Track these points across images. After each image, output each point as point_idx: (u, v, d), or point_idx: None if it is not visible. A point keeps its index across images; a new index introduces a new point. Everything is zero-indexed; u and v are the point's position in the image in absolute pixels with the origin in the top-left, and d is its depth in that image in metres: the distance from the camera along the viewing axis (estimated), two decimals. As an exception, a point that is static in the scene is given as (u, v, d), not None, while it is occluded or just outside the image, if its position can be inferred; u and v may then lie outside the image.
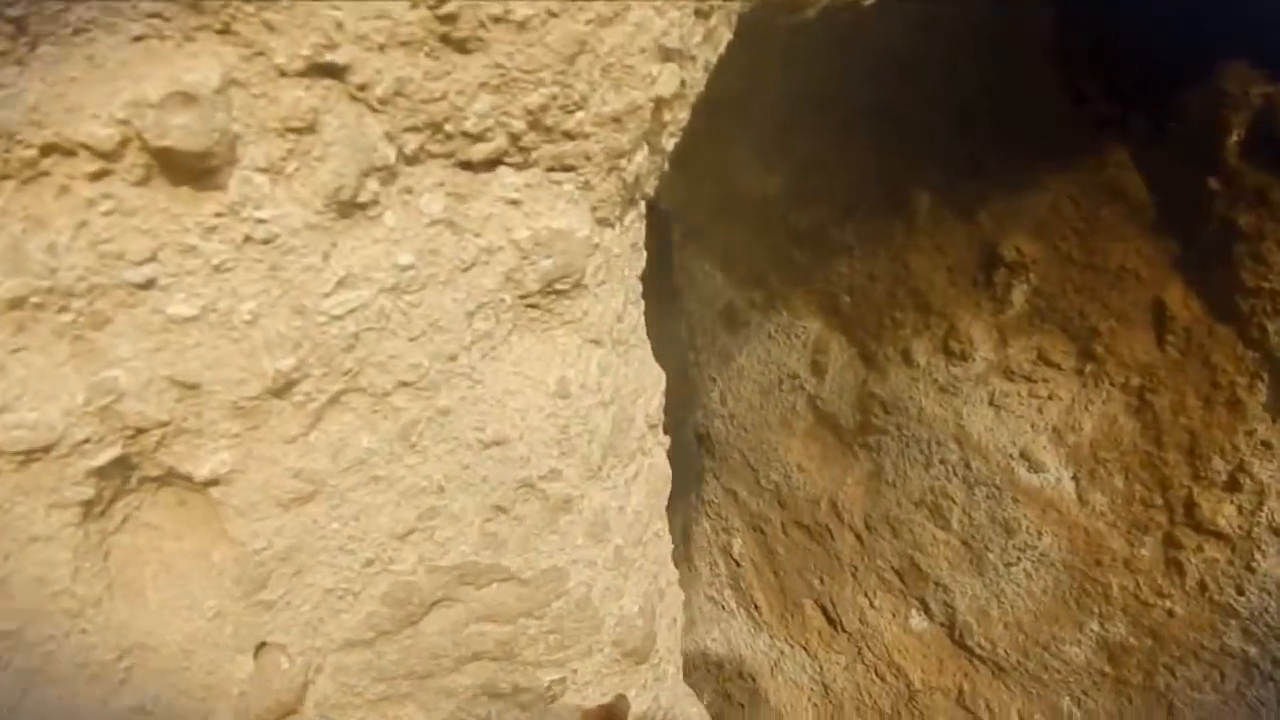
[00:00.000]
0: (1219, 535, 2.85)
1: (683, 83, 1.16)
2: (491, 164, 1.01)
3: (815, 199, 3.33)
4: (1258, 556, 2.80)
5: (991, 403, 3.19)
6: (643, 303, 1.29)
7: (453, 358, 1.04)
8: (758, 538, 3.86)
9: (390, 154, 0.94)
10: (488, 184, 1.01)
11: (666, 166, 1.27)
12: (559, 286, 1.08)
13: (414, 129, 0.95)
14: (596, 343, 1.14)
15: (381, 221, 0.97)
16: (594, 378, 1.14)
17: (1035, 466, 3.13)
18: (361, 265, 0.97)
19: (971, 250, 3.15)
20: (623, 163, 1.09)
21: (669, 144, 1.21)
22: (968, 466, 3.25)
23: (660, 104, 1.10)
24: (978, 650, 3.35)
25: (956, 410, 3.25)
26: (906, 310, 3.30)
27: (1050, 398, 3.10)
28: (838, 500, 3.59)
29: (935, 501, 3.34)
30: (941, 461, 3.31)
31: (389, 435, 1.04)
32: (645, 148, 1.13)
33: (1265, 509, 2.76)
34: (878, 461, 3.47)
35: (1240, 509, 2.81)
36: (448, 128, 0.97)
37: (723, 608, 4.01)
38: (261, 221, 0.91)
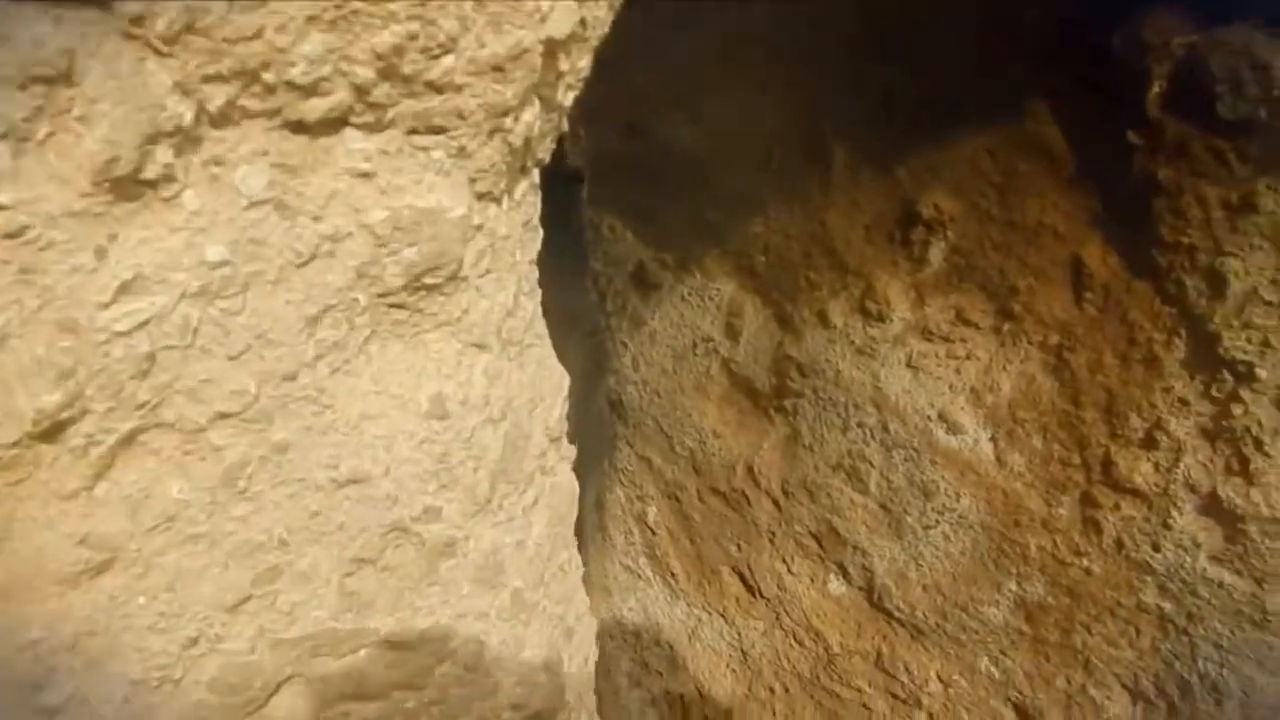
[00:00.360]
0: (1136, 493, 2.76)
1: (582, 22, 0.92)
2: (332, 125, 0.76)
3: (730, 154, 3.10)
4: (1174, 513, 2.72)
5: (909, 364, 3.04)
6: (539, 292, 1.05)
7: (290, 378, 0.79)
8: (673, 505, 3.68)
9: (186, 112, 0.68)
10: (329, 152, 0.76)
11: (565, 126, 1.04)
12: (429, 280, 0.84)
13: (218, 78, 0.68)
14: (480, 346, 0.90)
15: (180, 204, 0.70)
16: (479, 390, 0.90)
17: (953, 428, 3.00)
18: (154, 264, 0.70)
19: (889, 207, 2.97)
20: (507, 122, 0.84)
21: (566, 98, 0.97)
22: (886, 429, 3.11)
23: (553, 48, 0.86)
24: (896, 613, 3.24)
25: (874, 372, 3.09)
26: (822, 270, 3.12)
27: (968, 358, 2.97)
28: (754, 465, 3.42)
29: (853, 465, 3.20)
30: (859, 425, 3.16)
31: (208, 481, 0.78)
32: (536, 103, 0.89)
33: (1181, 465, 2.68)
34: (794, 426, 3.31)
35: (1157, 466, 2.72)
36: (267, 77, 0.70)
37: (639, 576, 3.83)
38: (3, 209, 0.64)
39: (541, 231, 1.04)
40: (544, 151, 0.99)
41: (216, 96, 0.70)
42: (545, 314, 1.09)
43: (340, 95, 0.74)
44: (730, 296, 3.31)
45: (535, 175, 1.00)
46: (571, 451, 1.16)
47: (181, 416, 0.76)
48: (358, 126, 0.77)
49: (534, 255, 1.02)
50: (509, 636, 0.99)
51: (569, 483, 1.13)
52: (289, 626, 0.86)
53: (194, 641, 0.82)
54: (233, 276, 0.74)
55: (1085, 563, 2.87)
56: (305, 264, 0.77)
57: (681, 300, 3.40)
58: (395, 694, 0.92)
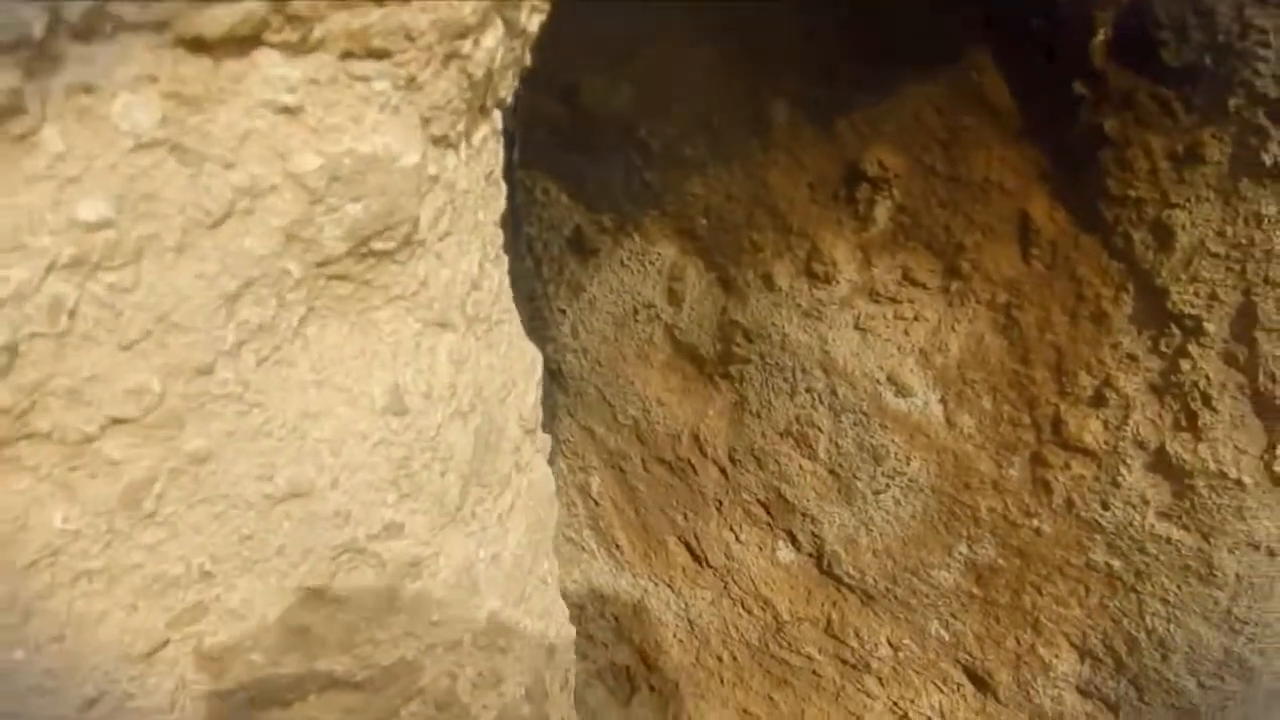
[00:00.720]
0: (1085, 451, 2.71)
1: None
2: (242, 45, 0.58)
3: (666, 113, 2.94)
4: (1123, 471, 2.67)
5: (857, 326, 2.93)
6: (505, 259, 0.88)
7: (205, 371, 0.61)
8: (617, 475, 3.54)
9: (33, 20, 0.50)
10: (240, 80, 0.58)
11: (529, 60, 0.87)
12: (379, 245, 0.65)
13: (84, -26, 0.50)
14: (444, 325, 0.73)
15: (38, 145, 0.52)
16: (444, 378, 0.73)
17: (903, 390, 2.91)
18: (8, 226, 0.53)
19: (832, 165, 2.84)
20: (465, 46, 0.67)
21: (531, 22, 0.80)
22: (834, 394, 3.01)
23: (519, -45, 0.70)
24: (846, 579, 3.16)
25: (821, 335, 2.97)
26: (766, 231, 2.98)
27: (916, 319, 2.87)
28: (700, 433, 3.29)
29: (801, 431, 3.09)
30: (807, 390, 3.05)
31: (103, 505, 0.60)
32: (499, 25, 0.72)
33: (1130, 423, 2.62)
34: (741, 392, 3.18)
35: (1106, 424, 2.67)
36: (152, -25, 0.52)
37: (582, 549, 3.69)
38: None
39: (505, 187, 0.87)
40: (506, 90, 0.82)
41: (73, 7, 0.51)
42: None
43: (250, 3, 0.56)
44: (671, 261, 3.16)
45: (498, 118, 0.83)
46: (547, 443, 1.00)
47: (61, 425, 0.57)
48: (276, 47, 0.59)
49: (498, 215, 0.85)
50: (486, 668, 0.83)
51: (546, 480, 0.97)
52: (220, 676, 0.69)
53: (93, 703, 0.64)
54: (119, 242, 0.55)
55: (1035, 523, 2.81)
56: (217, 225, 0.59)
57: (621, 265, 3.23)
58: (352, 745, 0.75)
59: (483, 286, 0.78)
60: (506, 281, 0.86)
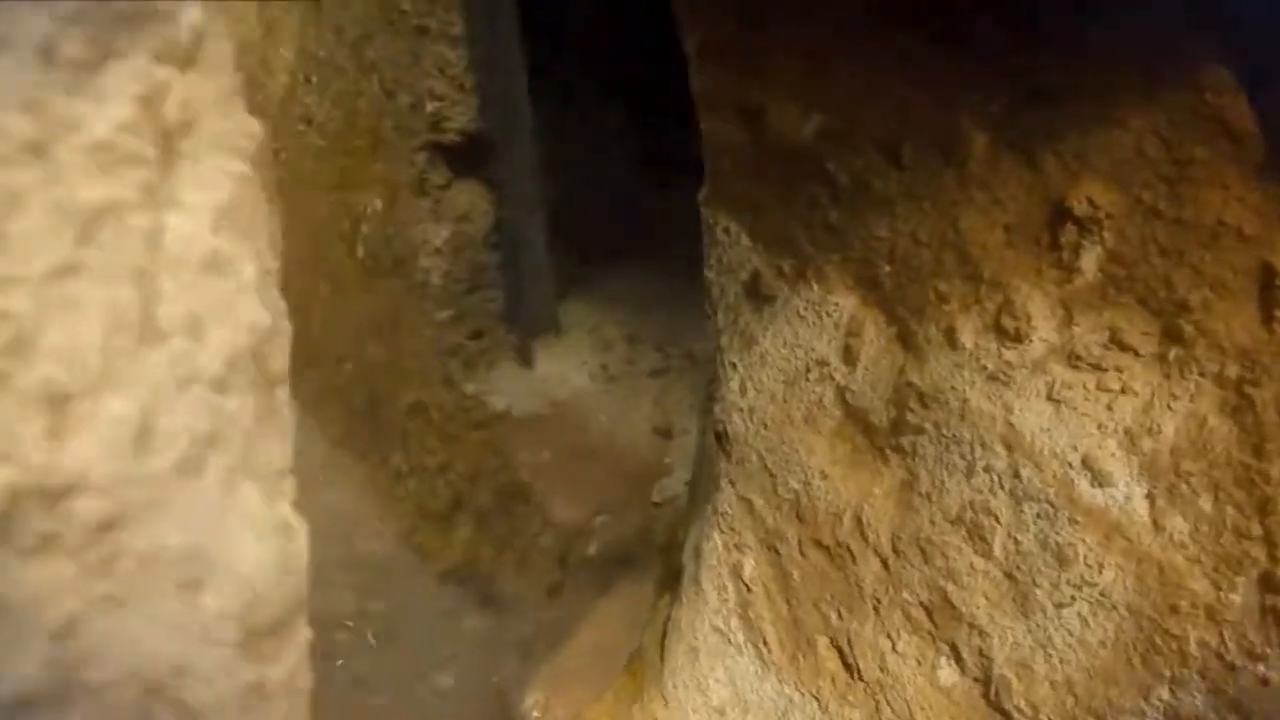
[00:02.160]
0: (1340, 581, 2.15)
1: None
2: None
3: (856, 143, 2.82)
4: (1393, 614, 2.08)
5: (1050, 396, 2.57)
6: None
7: None
8: (771, 558, 3.28)
9: None
10: None
11: None
12: None
13: None
14: None
15: None
16: None
17: (1100, 479, 2.48)
18: None
19: (1034, 203, 2.57)
20: None
21: None
22: (1017, 476, 2.63)
23: None
24: (1016, 715, 2.67)
25: (1007, 404, 2.64)
26: (954, 280, 2.73)
27: (1124, 391, 2.47)
28: (863, 515, 2.99)
29: (976, 520, 2.72)
30: (986, 469, 2.69)
31: None
32: None
33: (1407, 549, 2.06)
34: (912, 468, 2.87)
35: (1371, 548, 2.11)
36: None
37: (729, 641, 3.43)
38: None
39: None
40: None
41: None
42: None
43: None
44: (850, 313, 2.97)
45: None
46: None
47: None
48: None
49: None
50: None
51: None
52: None
53: None
54: None
55: (1262, 669, 2.24)
56: None
57: (797, 316, 3.09)
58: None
59: None
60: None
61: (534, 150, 5.97)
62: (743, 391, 3.28)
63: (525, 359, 6.14)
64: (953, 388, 2.74)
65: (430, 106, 5.73)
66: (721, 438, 3.41)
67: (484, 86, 5.73)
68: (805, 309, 3.06)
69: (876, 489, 2.97)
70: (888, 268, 2.86)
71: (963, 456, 2.73)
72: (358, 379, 7.29)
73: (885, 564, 2.95)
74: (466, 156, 5.88)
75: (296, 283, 7.98)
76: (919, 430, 2.82)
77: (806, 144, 2.91)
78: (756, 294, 3.17)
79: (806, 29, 2.79)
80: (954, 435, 2.75)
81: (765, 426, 3.23)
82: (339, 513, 7.25)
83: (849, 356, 2.99)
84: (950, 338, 2.74)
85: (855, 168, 2.84)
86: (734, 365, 3.30)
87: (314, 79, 7.07)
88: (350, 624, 6.17)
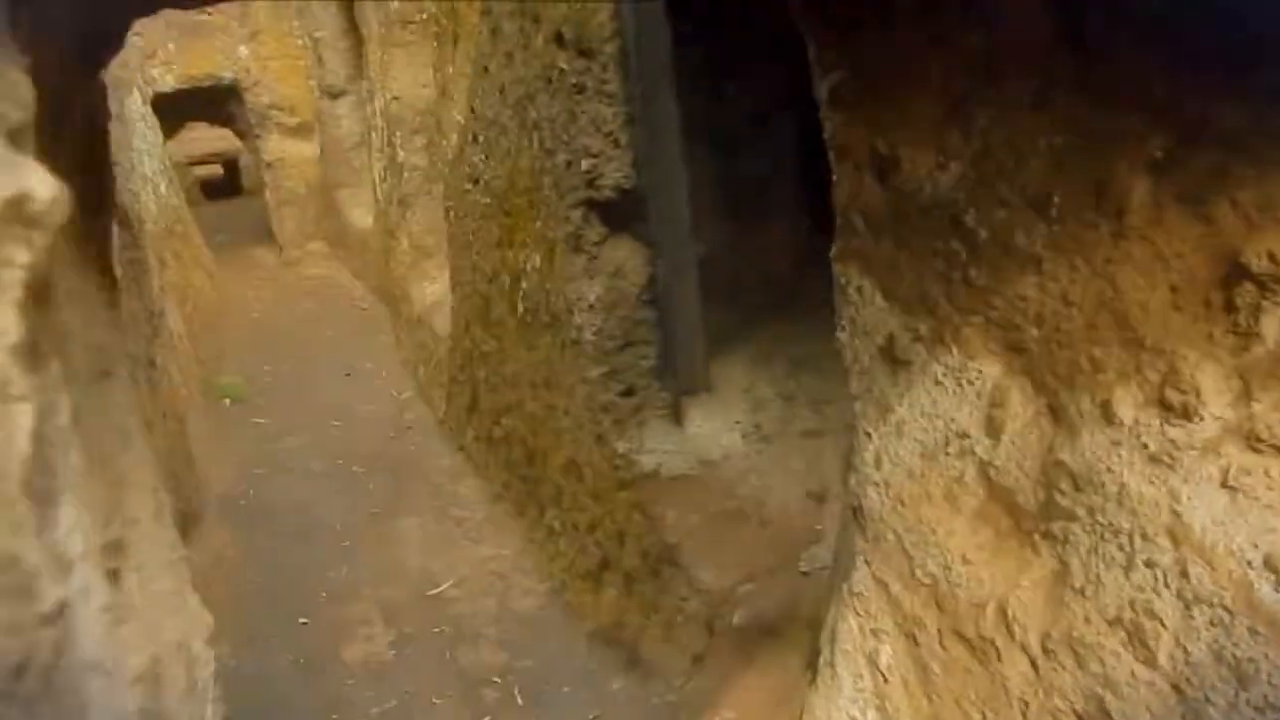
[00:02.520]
0: None
1: None
2: None
3: (998, 193, 2.55)
4: None
5: (1225, 483, 2.20)
6: None
7: None
8: (909, 647, 2.98)
9: None
10: None
11: None
12: None
13: None
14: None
15: None
16: None
17: (1288, 584, 2.10)
18: None
19: (1204, 259, 2.23)
20: None
21: None
22: (1185, 575, 2.26)
23: None
24: None
25: (1173, 491, 2.28)
26: (1110, 347, 2.41)
27: (1317, 481, 2.08)
28: (1009, 608, 2.67)
29: (1137, 622, 2.36)
30: (1148, 565, 2.33)
31: None
32: None
33: None
34: (1063, 558, 2.54)
35: None
36: None
37: (863, 736, 3.13)
38: None
39: None
40: None
41: None
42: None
43: None
44: (994, 381, 2.68)
45: None
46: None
47: None
48: None
49: None
50: None
51: None
52: None
53: None
54: None
55: None
56: None
57: (935, 384, 2.82)
58: None
59: None
60: None
61: (689, 205, 5.88)
62: (878, 464, 3.02)
63: (677, 417, 6.00)
64: (1109, 469, 2.40)
65: (585, 163, 5.74)
66: (857, 513, 3.15)
67: (638, 142, 5.69)
68: (944, 376, 2.79)
69: (1024, 579, 2.64)
70: (1035, 332, 2.56)
71: (1121, 548, 2.38)
72: (516, 434, 7.35)
73: (1034, 664, 2.61)
74: (620, 212, 5.85)
75: (464, 343, 8.18)
76: (1071, 515, 2.49)
77: (944, 195, 2.66)
78: (892, 358, 2.92)
79: (943, 71, 2.56)
80: (1111, 523, 2.40)
81: (902, 503, 2.96)
82: (495, 568, 7.30)
83: (992, 429, 2.69)
84: (1106, 412, 2.41)
85: (998, 220, 2.57)
86: (869, 435, 3.05)
87: (481, 138, 7.26)
88: (498, 680, 6.14)
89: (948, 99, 2.55)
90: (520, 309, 6.98)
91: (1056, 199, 2.44)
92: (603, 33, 5.53)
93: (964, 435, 2.76)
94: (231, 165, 19.19)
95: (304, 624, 6.81)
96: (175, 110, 14.19)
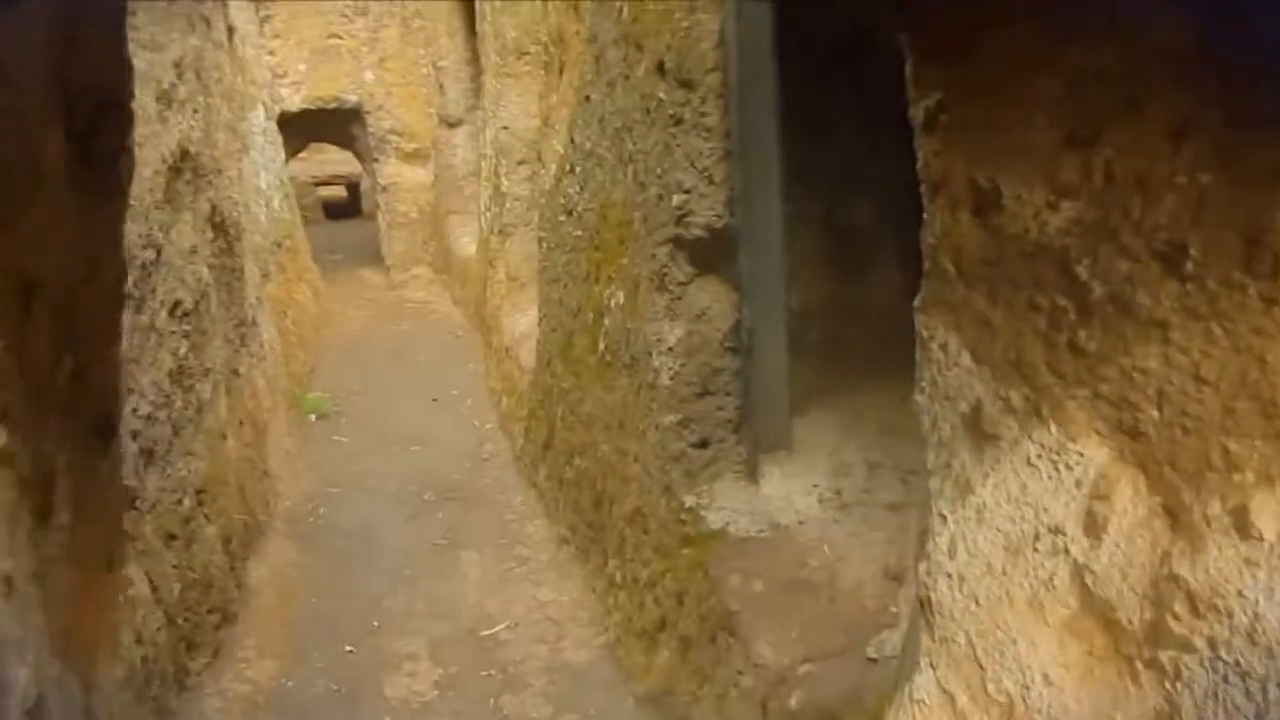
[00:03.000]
0: None
1: None
2: None
3: (1120, 241, 2.09)
4: None
5: (1397, 629, 1.69)
6: None
7: None
8: (975, 777, 2.49)
9: None
10: None
11: None
12: None
13: None
14: None
15: None
16: None
17: None
18: None
19: (1383, 338, 1.74)
20: None
21: None
22: (1334, 741, 1.75)
23: None
24: None
25: (1324, 631, 1.78)
26: (1251, 439, 1.92)
27: None
28: (1099, 747, 2.17)
29: (1266, 793, 1.84)
30: (1285, 721, 1.83)
31: None
32: None
33: None
34: (1172, 697, 2.03)
35: None
36: None
37: None
38: None
39: None
40: None
41: None
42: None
43: None
44: (1099, 468, 2.21)
45: None
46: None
47: None
48: None
49: None
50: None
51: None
52: None
53: None
54: None
55: None
56: None
57: (1027, 464, 2.36)
58: None
59: None
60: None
61: (782, 250, 5.48)
62: (952, 552, 2.55)
63: (751, 475, 5.57)
64: (1240, 593, 1.90)
65: (676, 199, 5.41)
66: (925, 606, 2.69)
67: (734, 180, 5.34)
68: (1039, 457, 2.32)
69: (1119, 715, 2.13)
70: (1155, 413, 2.08)
71: (1250, 697, 1.88)
72: (587, 477, 7.02)
73: (1127, 825, 2.10)
74: (710, 253, 5.49)
75: (545, 377, 7.91)
76: (1186, 645, 1.99)
77: (1053, 240, 2.22)
78: (977, 430, 2.47)
79: (1062, 91, 2.13)
80: (1239, 663, 1.90)
81: (977, 602, 2.48)
82: (552, 614, 6.95)
83: (1093, 527, 2.21)
84: (1241, 521, 1.91)
85: (1117, 274, 2.11)
86: (944, 517, 2.59)
87: (578, 169, 7.02)
88: (542, 731, 5.79)
89: (1065, 124, 2.12)
90: (601, 346, 6.67)
91: (1193, 251, 1.97)
92: (705, 63, 5.22)
93: (1058, 530, 2.28)
94: (354, 188, 19.60)
95: (350, 652, 6.56)
96: (300, 129, 14.49)
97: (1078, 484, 2.24)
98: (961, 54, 2.28)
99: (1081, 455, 2.23)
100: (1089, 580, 2.22)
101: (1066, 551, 2.26)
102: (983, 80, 2.26)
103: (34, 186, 1.85)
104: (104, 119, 2.63)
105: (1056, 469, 2.28)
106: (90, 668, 2.67)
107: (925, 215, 2.52)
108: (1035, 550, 2.34)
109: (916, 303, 2.61)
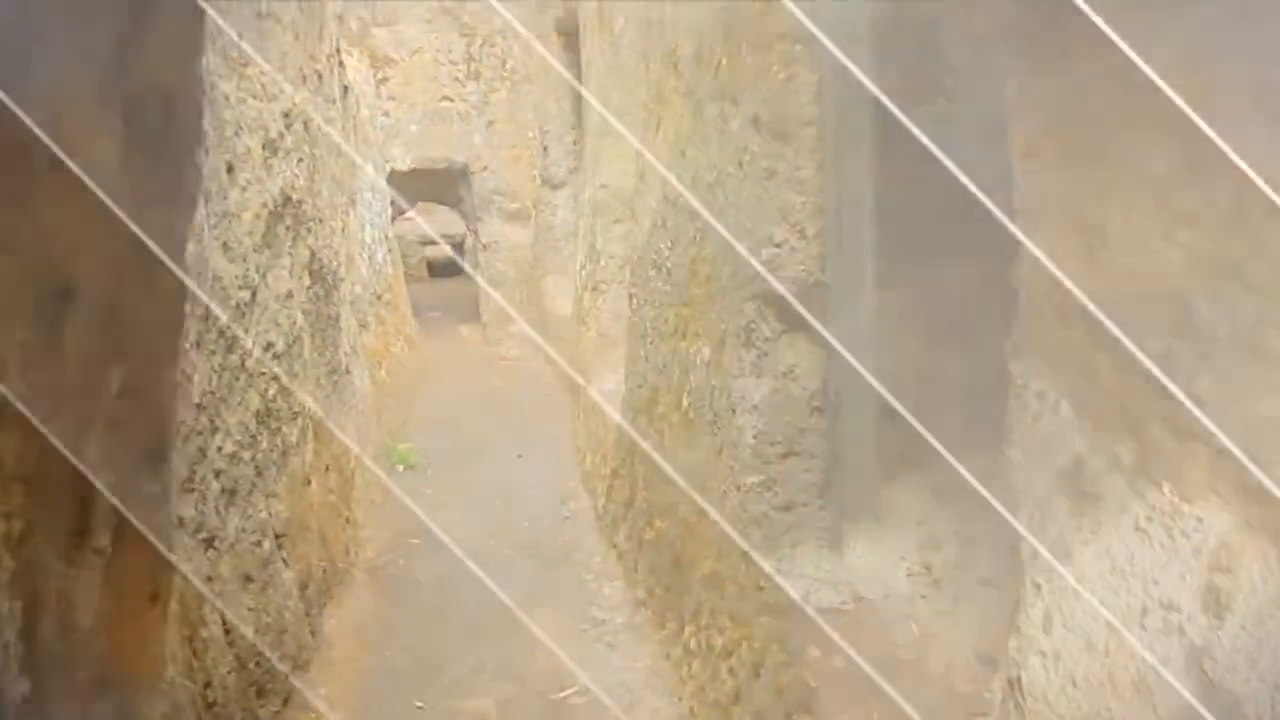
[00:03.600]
0: None
1: None
2: None
3: (1244, 279, 1.84)
4: None
5: None
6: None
7: None
8: None
9: None
10: None
11: None
12: None
13: None
14: None
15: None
16: None
17: None
18: None
19: None
20: None
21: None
22: None
23: None
24: None
25: None
26: (1407, 505, 1.63)
27: None
28: None
29: None
30: None
31: None
32: None
33: None
34: (1308, 809, 1.72)
35: None
36: None
37: None
38: None
39: None
40: None
41: None
42: None
43: None
44: (1221, 536, 1.92)
45: None
46: None
47: None
48: None
49: None
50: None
51: None
52: None
53: None
54: None
55: None
56: None
57: (1134, 530, 2.08)
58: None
59: None
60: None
61: (876, 308, 5.24)
62: (1047, 627, 2.27)
63: (835, 543, 5.27)
64: (1394, 687, 1.60)
65: (765, 253, 5.24)
66: (1015, 686, 2.40)
67: (826, 234, 5.15)
68: (1149, 520, 2.05)
69: (1243, 827, 1.82)
70: (1288, 473, 1.80)
71: None
72: (667, 539, 6.79)
73: None
74: (799, 309, 5.28)
75: (629, 436, 7.75)
76: (1326, 747, 1.69)
77: (1169, 276, 1.97)
78: (1077, 489, 2.20)
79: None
80: (1392, 771, 1.59)
81: (1075, 684, 2.19)
82: (625, 680, 6.69)
83: (1214, 604, 1.92)
84: (1394, 601, 1.62)
85: (1243, 314, 1.86)
86: (1038, 587, 2.32)
87: (670, 224, 6.93)
88: (604, 806, 5.50)
89: (1185, 145, 1.89)
90: (685, 404, 6.49)
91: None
92: (802, 115, 5.09)
93: (1171, 606, 2.00)
94: (458, 247, 20.01)
95: (419, 708, 6.41)
96: (408, 188, 14.87)
97: (1195, 553, 1.96)
98: (1066, 69, 2.07)
99: (1200, 520, 1.95)
100: (1208, 666, 1.92)
101: (1182, 631, 1.97)
102: (1090, 98, 2.05)
103: (66, 173, 1.79)
104: (170, 121, 2.61)
105: (1170, 535, 2.00)
106: (125, 706, 2.57)
107: (1022, 252, 2.30)
108: (1143, 628, 2.05)
109: (1009, 346, 2.37)
